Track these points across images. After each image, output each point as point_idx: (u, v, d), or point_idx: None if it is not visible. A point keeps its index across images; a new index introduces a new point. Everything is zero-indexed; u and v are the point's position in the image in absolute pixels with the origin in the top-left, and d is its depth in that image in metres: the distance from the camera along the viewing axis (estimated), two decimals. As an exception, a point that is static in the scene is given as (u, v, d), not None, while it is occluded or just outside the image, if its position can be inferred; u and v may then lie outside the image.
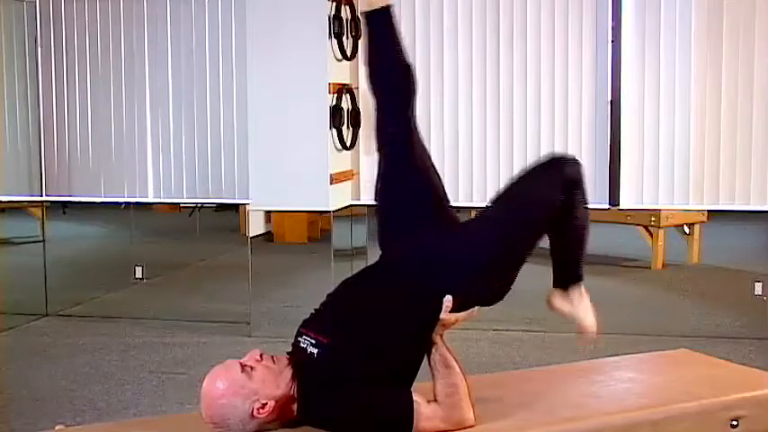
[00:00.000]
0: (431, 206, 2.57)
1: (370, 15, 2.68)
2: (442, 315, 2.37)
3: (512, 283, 2.51)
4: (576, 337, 2.78)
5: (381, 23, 2.68)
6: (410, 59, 2.67)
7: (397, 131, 2.61)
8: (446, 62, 5.08)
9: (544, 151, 5.00)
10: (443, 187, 2.63)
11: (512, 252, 2.47)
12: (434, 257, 2.44)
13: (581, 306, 2.72)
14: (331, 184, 4.93)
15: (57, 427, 2.56)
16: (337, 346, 2.32)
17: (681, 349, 3.27)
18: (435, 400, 2.33)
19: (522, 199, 2.52)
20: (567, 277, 2.68)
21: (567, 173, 2.49)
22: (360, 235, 5.54)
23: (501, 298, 2.52)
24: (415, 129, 2.62)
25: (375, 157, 2.65)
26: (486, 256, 2.42)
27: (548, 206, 2.47)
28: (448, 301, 2.37)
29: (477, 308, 2.43)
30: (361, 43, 5.16)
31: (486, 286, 2.46)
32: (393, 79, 2.67)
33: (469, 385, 2.35)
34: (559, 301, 2.69)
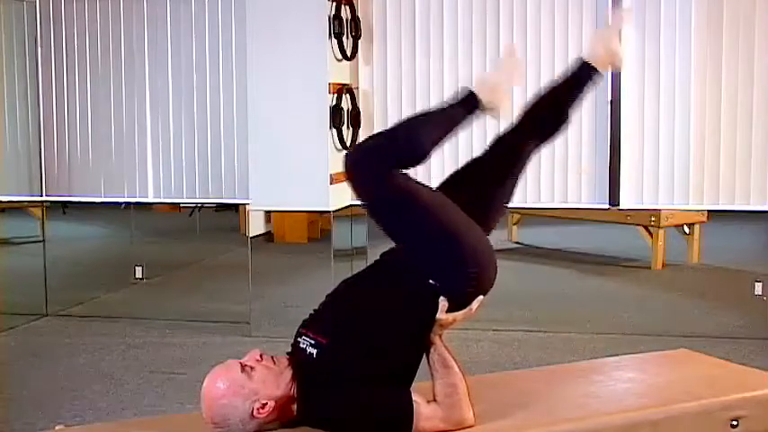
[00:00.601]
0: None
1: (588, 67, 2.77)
2: (439, 315, 2.37)
3: (492, 261, 2.47)
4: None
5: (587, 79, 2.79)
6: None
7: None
8: (446, 62, 5.08)
9: (544, 151, 4.99)
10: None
11: (453, 245, 2.40)
12: (427, 257, 2.44)
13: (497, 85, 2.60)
14: (331, 184, 4.94)
15: (57, 427, 2.57)
16: (336, 347, 2.32)
17: (681, 349, 3.27)
18: (435, 400, 2.33)
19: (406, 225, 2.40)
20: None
21: (369, 163, 2.35)
22: (360, 235, 5.54)
23: (492, 280, 2.47)
24: None
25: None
26: (449, 258, 2.39)
27: (396, 191, 2.34)
28: (443, 301, 2.37)
29: (476, 305, 2.42)
30: (361, 43, 5.19)
31: (467, 277, 2.42)
32: (551, 124, 2.78)
33: (469, 385, 2.36)
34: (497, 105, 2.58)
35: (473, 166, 2.73)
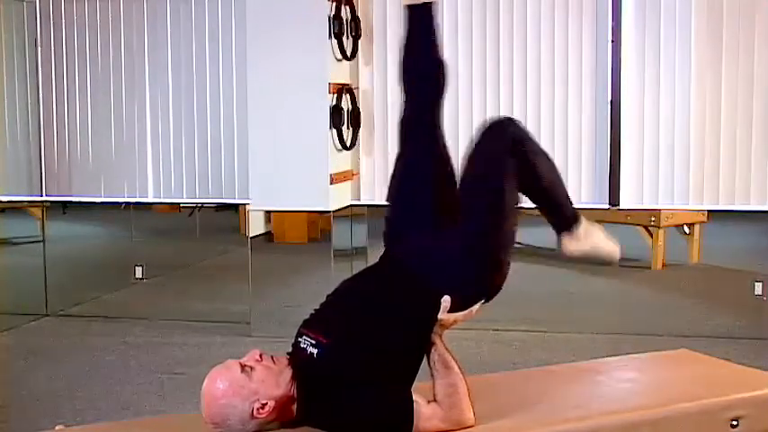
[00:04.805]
0: (431, 209, 2.57)
1: (412, 8, 2.70)
2: (441, 315, 2.37)
3: (507, 265, 2.51)
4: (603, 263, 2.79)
5: (423, 17, 2.70)
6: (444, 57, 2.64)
7: (419, 127, 2.61)
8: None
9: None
10: (454, 190, 2.60)
11: (496, 232, 2.47)
12: (432, 257, 2.45)
13: (594, 238, 2.68)
14: (331, 184, 4.94)
15: (57, 427, 2.56)
16: (337, 347, 2.32)
17: (681, 349, 3.27)
18: (435, 401, 2.33)
19: (480, 180, 2.50)
20: (564, 220, 2.66)
21: (508, 134, 2.50)
22: (360, 235, 5.54)
23: (500, 287, 2.51)
24: (439, 128, 2.62)
25: (388, 154, 2.65)
26: (473, 245, 2.43)
27: (504, 172, 2.46)
28: (446, 301, 2.37)
29: (476, 307, 2.43)
30: (361, 43, 5.19)
31: (481, 277, 2.45)
32: (426, 74, 2.67)
33: (469, 385, 2.36)
34: (572, 245, 2.66)
35: None
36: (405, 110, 2.69)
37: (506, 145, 2.47)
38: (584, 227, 2.66)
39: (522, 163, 2.47)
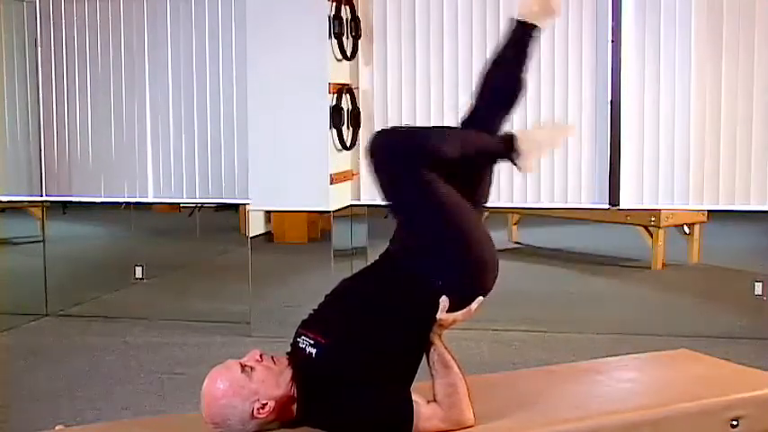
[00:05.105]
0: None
1: (521, 25, 2.73)
2: (439, 315, 2.37)
3: (492, 262, 2.47)
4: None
5: (526, 37, 2.73)
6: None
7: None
8: (446, 62, 5.08)
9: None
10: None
11: (456, 237, 2.42)
12: (428, 258, 2.44)
13: (536, 140, 2.65)
14: (331, 184, 4.94)
15: (57, 427, 2.56)
16: (336, 347, 2.32)
17: (681, 349, 3.27)
18: (435, 401, 2.33)
19: (405, 208, 2.47)
20: (503, 155, 2.62)
21: (389, 158, 2.43)
22: (360, 235, 5.54)
23: (492, 282, 2.48)
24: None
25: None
26: (448, 252, 2.41)
27: (413, 188, 2.40)
28: (444, 301, 2.37)
29: (475, 305, 2.42)
30: (361, 43, 5.19)
31: (469, 277, 2.43)
32: (507, 90, 2.71)
33: (469, 385, 2.35)
34: (526, 163, 2.61)
35: None
36: (468, 116, 2.71)
37: (398, 167, 2.40)
38: (522, 141, 2.60)
39: (423, 163, 2.38)
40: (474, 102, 2.73)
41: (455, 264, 2.42)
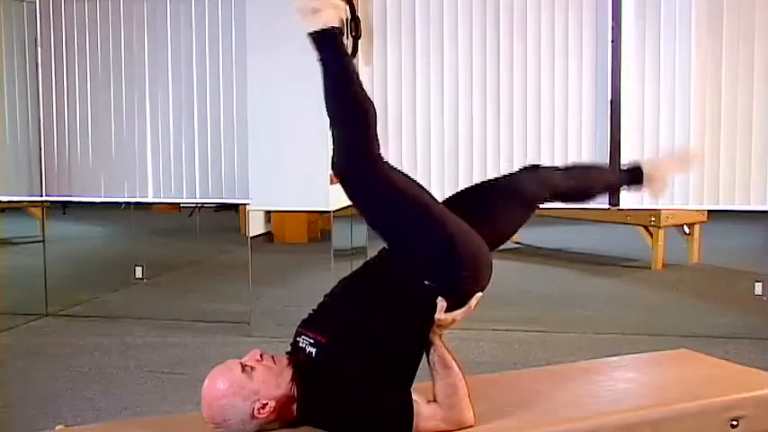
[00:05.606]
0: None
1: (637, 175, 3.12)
2: (437, 315, 2.36)
3: (485, 261, 2.47)
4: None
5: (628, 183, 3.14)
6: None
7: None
8: (446, 63, 5.08)
9: (545, 151, 5.01)
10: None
11: (444, 240, 2.41)
12: (425, 259, 2.43)
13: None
14: (331, 184, 4.93)
15: (57, 427, 2.56)
16: (335, 346, 2.32)
17: (681, 349, 3.27)
18: (435, 401, 2.33)
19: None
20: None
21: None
22: (360, 235, 5.54)
23: (488, 279, 2.48)
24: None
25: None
26: (440, 255, 2.41)
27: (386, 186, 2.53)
28: (441, 302, 2.36)
29: (474, 302, 2.41)
30: (361, 43, 5.18)
31: (464, 277, 2.42)
32: (579, 196, 3.05)
33: (469, 385, 2.35)
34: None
35: (488, 184, 2.86)
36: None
37: (352, 185, 2.67)
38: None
39: (367, 161, 2.66)
40: (558, 175, 2.94)
41: (443, 263, 2.40)
